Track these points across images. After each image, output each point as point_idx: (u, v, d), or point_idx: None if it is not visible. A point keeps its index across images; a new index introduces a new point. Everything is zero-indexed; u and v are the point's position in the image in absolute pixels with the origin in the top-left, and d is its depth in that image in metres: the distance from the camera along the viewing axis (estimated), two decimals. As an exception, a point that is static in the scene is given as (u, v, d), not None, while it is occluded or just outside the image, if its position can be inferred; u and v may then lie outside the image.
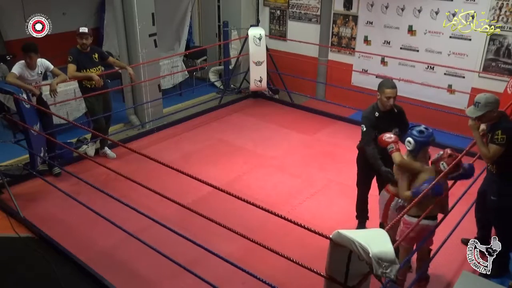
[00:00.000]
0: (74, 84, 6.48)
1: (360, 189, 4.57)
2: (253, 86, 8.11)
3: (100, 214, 4.25)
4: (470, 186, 4.40)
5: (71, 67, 5.57)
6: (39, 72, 5.38)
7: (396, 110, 4.15)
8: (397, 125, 4.09)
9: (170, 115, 7.58)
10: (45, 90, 6.16)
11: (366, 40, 7.70)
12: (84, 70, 5.66)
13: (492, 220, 4.03)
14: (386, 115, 4.10)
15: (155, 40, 7.01)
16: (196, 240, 3.64)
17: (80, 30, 5.62)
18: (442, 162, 3.47)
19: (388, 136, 3.66)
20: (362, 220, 4.69)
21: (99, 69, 5.82)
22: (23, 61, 5.23)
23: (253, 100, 8.64)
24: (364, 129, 4.10)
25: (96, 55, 5.79)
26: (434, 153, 3.64)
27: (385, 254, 2.12)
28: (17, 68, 5.17)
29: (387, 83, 4.09)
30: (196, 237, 3.78)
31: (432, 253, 3.91)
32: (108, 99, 6.12)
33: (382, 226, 3.98)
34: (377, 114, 4.10)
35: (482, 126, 3.84)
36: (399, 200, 3.72)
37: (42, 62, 5.40)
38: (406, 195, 3.48)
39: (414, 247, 3.73)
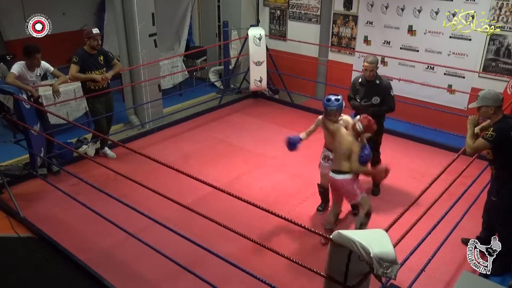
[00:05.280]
0: (74, 84, 6.48)
1: None
2: (253, 86, 8.11)
3: (100, 214, 4.25)
4: (470, 186, 4.41)
5: (74, 68, 5.57)
6: (38, 74, 5.36)
7: (378, 82, 4.98)
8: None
9: (170, 115, 7.58)
10: (45, 91, 6.18)
11: (366, 40, 7.70)
12: (89, 72, 5.66)
13: (493, 220, 4.05)
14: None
15: (155, 40, 7.00)
16: (196, 240, 3.64)
17: (94, 32, 5.62)
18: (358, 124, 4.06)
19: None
20: None
21: (103, 71, 5.82)
22: (23, 61, 5.20)
23: (253, 100, 8.64)
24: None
25: (102, 57, 5.78)
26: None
27: (386, 254, 2.13)
28: (17, 68, 5.13)
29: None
30: (196, 237, 3.78)
31: (432, 252, 3.92)
32: (111, 102, 6.11)
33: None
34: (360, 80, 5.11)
35: (484, 124, 3.89)
36: None
37: (42, 64, 5.36)
38: None
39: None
